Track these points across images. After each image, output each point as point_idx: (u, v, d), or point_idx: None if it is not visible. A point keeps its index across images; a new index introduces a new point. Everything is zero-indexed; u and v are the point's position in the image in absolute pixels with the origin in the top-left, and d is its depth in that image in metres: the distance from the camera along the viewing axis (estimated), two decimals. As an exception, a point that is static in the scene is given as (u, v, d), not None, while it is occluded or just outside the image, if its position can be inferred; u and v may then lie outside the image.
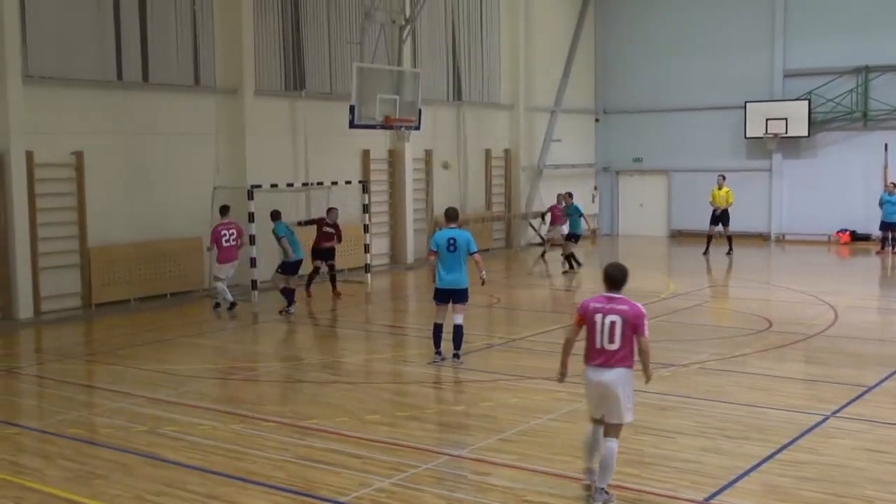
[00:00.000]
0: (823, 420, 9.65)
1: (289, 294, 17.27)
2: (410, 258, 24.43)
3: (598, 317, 7.42)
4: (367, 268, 21.22)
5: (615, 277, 7.50)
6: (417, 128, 22.62)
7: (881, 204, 25.90)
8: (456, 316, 12.58)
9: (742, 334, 14.71)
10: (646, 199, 32.38)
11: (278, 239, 17.38)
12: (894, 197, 25.74)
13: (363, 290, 20.13)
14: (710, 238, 26.23)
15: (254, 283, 19.03)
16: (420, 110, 22.38)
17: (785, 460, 8.48)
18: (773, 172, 29.96)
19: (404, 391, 11.65)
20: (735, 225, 27.00)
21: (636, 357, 7.45)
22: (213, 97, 20.08)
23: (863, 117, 28.60)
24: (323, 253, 19.05)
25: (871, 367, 12.30)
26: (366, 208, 21.50)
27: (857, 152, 28.63)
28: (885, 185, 26.59)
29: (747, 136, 29.86)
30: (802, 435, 9.20)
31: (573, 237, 23.39)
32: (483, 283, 12.81)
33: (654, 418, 9.84)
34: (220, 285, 17.40)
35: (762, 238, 30.10)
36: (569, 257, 22.91)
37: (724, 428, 9.46)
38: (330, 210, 19.26)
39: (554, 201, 25.74)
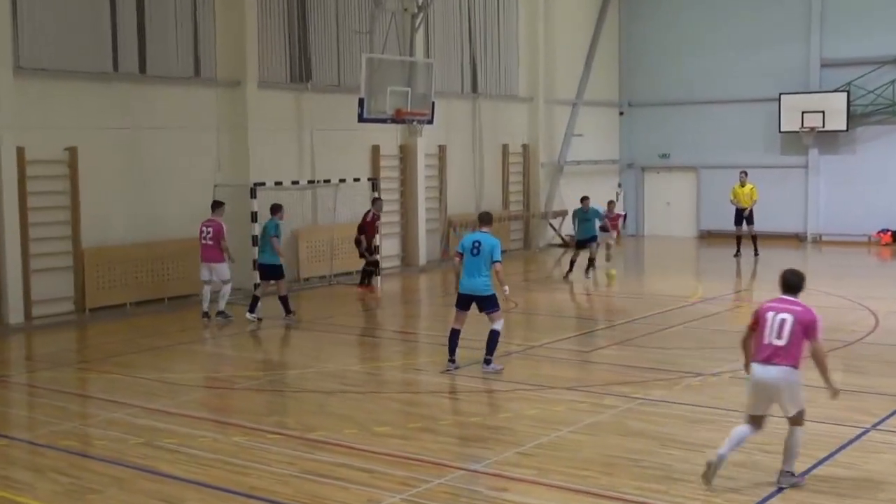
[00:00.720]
0: (864, 433, 9.58)
1: (255, 302, 17.10)
2: (423, 260, 24.43)
3: (770, 314, 8.18)
4: (377, 270, 21.22)
5: (791, 282, 8.35)
6: (430, 121, 22.61)
7: None
8: (492, 323, 12.63)
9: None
10: (673, 197, 32.28)
11: (268, 237, 17.03)
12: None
13: (373, 294, 20.13)
14: (739, 239, 26.10)
15: (255, 286, 19.04)
16: (433, 103, 22.36)
17: (822, 476, 8.42)
18: (810, 169, 29.82)
19: (416, 401, 11.63)
20: (769, 224, 26.91)
21: (803, 360, 8.10)
22: (215, 90, 20.12)
23: (905, 111, 28.47)
24: (374, 250, 20.16)
25: (915, 377, 12.21)
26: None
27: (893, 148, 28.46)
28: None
29: (782, 130, 29.73)
30: (841, 448, 9.15)
31: (584, 242, 22.50)
32: (505, 298, 12.73)
33: (683, 431, 9.80)
34: (204, 289, 17.27)
35: (798, 239, 29.96)
36: (591, 261, 22.67)
37: (759, 441, 9.37)
38: (376, 201, 20.33)
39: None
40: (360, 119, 20.48)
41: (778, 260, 25.35)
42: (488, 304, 12.55)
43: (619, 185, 32.78)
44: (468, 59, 26.65)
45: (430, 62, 22.96)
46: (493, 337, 12.60)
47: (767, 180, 27.80)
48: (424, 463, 8.88)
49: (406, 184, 24.50)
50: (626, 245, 30.32)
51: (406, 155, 24.52)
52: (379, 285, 20.45)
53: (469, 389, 11.94)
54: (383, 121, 21.23)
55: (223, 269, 17.16)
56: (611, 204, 24.39)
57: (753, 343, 8.22)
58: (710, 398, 11.12)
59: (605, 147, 32.39)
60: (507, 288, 12.55)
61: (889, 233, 28.49)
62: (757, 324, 8.22)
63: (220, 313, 17.05)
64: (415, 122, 22.48)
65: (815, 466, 8.62)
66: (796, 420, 8.16)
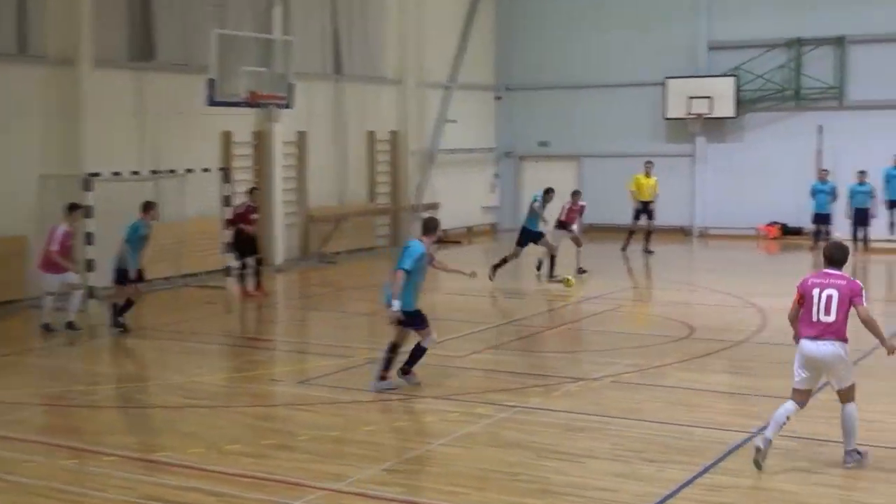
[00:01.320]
0: (750, 438, 9.90)
1: (127, 306, 16.67)
2: (279, 258, 24.22)
3: (816, 291, 9.02)
4: (227, 271, 20.94)
5: (835, 257, 9.20)
6: (289, 106, 22.43)
7: (813, 194, 26.76)
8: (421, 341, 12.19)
9: (661, 342, 15.02)
10: (553, 187, 32.65)
11: (136, 238, 16.57)
12: (827, 185, 26.64)
13: (223, 297, 19.85)
14: (631, 233, 26.65)
15: (91, 290, 18.57)
16: (292, 85, 22.18)
17: (707, 484, 8.69)
18: (696, 158, 30.69)
19: (271, 415, 11.55)
20: (660, 216, 27.59)
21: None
22: (43, 68, 19.55)
23: (795, 96, 29.52)
24: (250, 244, 19.90)
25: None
26: (227, 200, 21.22)
27: (788, 135, 29.52)
28: (818, 173, 27.49)
29: (667, 116, 30.53)
30: (726, 455, 9.44)
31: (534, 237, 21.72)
32: (394, 317, 11.86)
33: (561, 441, 9.98)
34: (46, 299, 16.63)
35: (683, 232, 30.81)
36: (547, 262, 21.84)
37: (641, 450, 9.64)
38: (253, 190, 20.45)
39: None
40: (210, 102, 20.18)
41: (664, 256, 26.04)
42: (408, 321, 11.97)
43: (496, 176, 33.15)
44: (331, 36, 26.53)
45: (288, 40, 22.76)
46: (416, 350, 12.17)
47: (655, 170, 28.44)
48: (280, 483, 8.82)
49: (261, 174, 24.24)
50: (502, 240, 30.65)
51: (261, 142, 24.25)
52: (245, 286, 20.03)
53: (329, 401, 11.90)
54: (236, 104, 20.97)
55: (72, 276, 16.62)
56: (575, 195, 23.38)
57: (802, 319, 9.09)
58: (590, 405, 11.35)
59: (480, 134, 32.69)
60: (396, 303, 11.64)
61: (777, 226, 29.53)
62: (803, 299, 9.08)
63: (69, 324, 16.40)
64: (271, 106, 22.24)
65: (699, 475, 8.89)
66: (847, 395, 9.05)
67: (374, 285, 21.91)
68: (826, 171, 27.15)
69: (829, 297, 8.95)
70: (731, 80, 29.59)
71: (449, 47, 30.71)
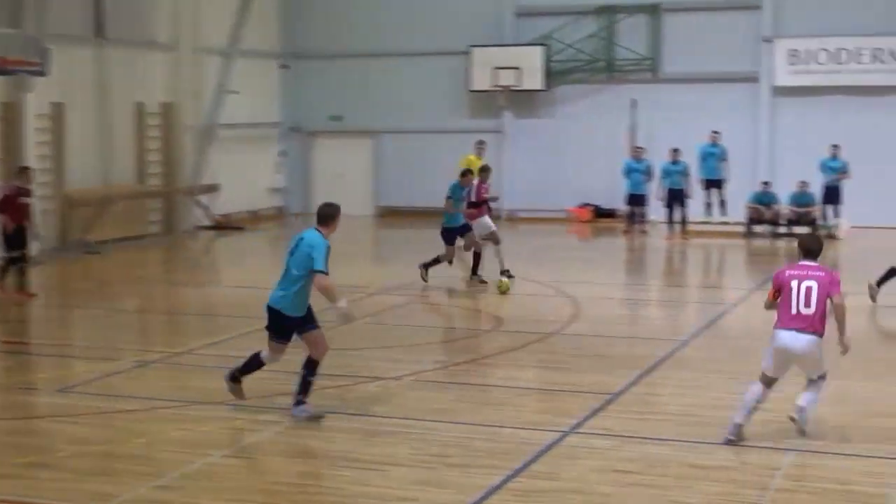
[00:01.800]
0: (562, 437, 10.18)
1: None
2: (34, 249, 23.36)
3: (795, 283, 9.81)
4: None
5: (812, 248, 10.08)
6: (43, 73, 21.77)
7: (627, 173, 27.65)
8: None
9: (467, 336, 15.26)
10: (347, 167, 32.80)
11: None
12: (642, 164, 27.59)
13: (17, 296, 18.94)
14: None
15: None
16: (46, 49, 21.53)
17: (517, 489, 8.88)
18: (504, 134, 31.23)
19: (27, 429, 11.19)
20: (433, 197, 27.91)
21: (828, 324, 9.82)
22: None
23: (607, 68, 30.44)
24: (20, 237, 18.56)
25: (617, 371, 13.09)
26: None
27: (600, 110, 30.40)
28: (631, 150, 28.43)
29: (472, 88, 30.95)
30: (538, 457, 9.67)
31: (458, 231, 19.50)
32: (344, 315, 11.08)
33: (358, 447, 10.01)
34: None
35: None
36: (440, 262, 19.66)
37: (446, 454, 9.77)
38: (23, 171, 19.26)
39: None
40: (-53, 68, 19.39)
41: (426, 237, 26.36)
42: (275, 325, 10.94)
43: (283, 153, 32.90)
44: (91, -6, 25.79)
45: (40, -3, 22.07)
46: (308, 369, 10.91)
47: (456, 147, 28.83)
48: (37, 506, 8.57)
49: (9, 151, 23.35)
50: (290, 227, 30.46)
51: (10, 115, 23.36)
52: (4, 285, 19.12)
53: (94, 410, 11.58)
54: (-22, 71, 20.23)
55: None
56: (484, 171, 20.66)
57: (780, 310, 9.87)
58: (391, 406, 11.42)
59: (265, 107, 32.36)
60: (343, 303, 10.80)
61: (589, 208, 30.37)
62: (779, 292, 9.89)
63: None
64: (22, 74, 21.61)
65: (509, 479, 9.07)
66: (820, 382, 10.07)
67: (145, 279, 21.51)
68: (641, 148, 28.09)
69: (809, 289, 9.78)
70: (539, 50, 30.23)
71: (229, 9, 30.22)
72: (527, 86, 30.40)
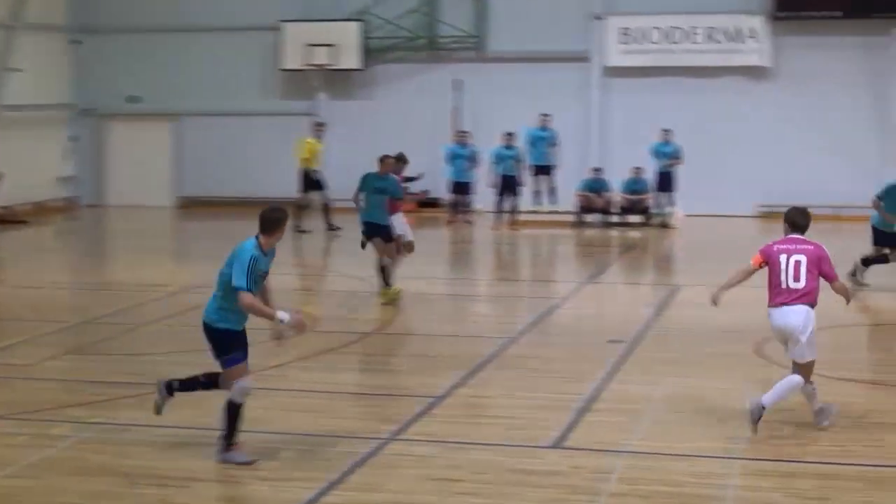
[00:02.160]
0: (383, 445, 10.22)
1: None
2: None
3: (783, 257, 10.39)
4: None
5: (798, 222, 10.65)
6: None
7: (450, 159, 27.86)
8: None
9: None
10: (145, 154, 32.21)
11: None
12: (466, 150, 27.85)
13: None
14: (302, 209, 26.44)
15: None
16: None
17: (336, 503, 8.87)
18: (318, 117, 31.10)
19: None
20: (264, 187, 27.75)
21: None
22: None
23: (429, 45, 30.61)
24: None
25: (441, 372, 13.19)
26: None
27: (422, 91, 30.56)
28: (455, 135, 28.66)
29: (283, 67, 30.77)
30: (356, 467, 9.69)
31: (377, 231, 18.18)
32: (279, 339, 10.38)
33: (160, 462, 9.85)
34: None
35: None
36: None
37: (255, 467, 9.70)
38: None
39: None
40: None
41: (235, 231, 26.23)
42: (215, 346, 10.09)
43: (73, 139, 32.15)
44: None
45: None
46: (230, 410, 9.90)
47: (268, 132, 28.69)
48: None
49: None
50: (84, 219, 29.82)
51: None
52: None
53: None
54: None
55: None
56: (399, 161, 19.90)
57: (770, 287, 10.43)
58: (194, 416, 11.25)
59: (52, 87, 31.58)
60: (282, 317, 9.76)
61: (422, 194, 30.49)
62: (765, 264, 10.46)
63: None
64: None
65: (324, 492, 9.06)
66: (804, 371, 10.40)
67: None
68: (465, 132, 28.35)
69: (798, 263, 10.34)
70: (356, 26, 30.24)
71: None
72: (343, 65, 30.37)
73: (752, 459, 9.98)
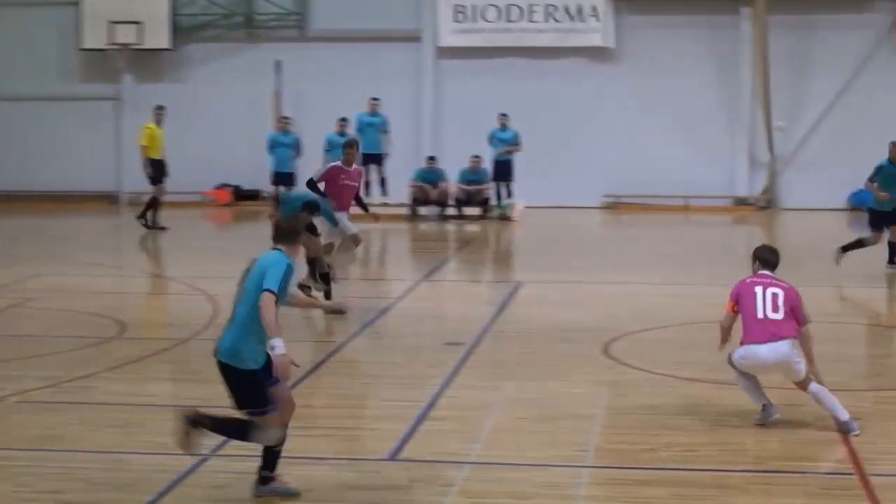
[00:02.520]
0: (201, 462, 10.08)
1: None
2: None
3: (759, 289, 10.73)
4: None
5: (770, 260, 11.05)
6: None
7: (271, 148, 27.51)
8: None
9: (84, 346, 14.88)
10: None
11: None
12: (289, 137, 27.65)
13: None
14: (155, 203, 26.12)
15: None
16: None
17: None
18: (124, 102, 30.67)
19: None
20: (68, 180, 27.24)
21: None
22: None
23: (246, 24, 30.40)
24: None
25: (265, 380, 13.14)
26: None
27: (239, 74, 30.38)
28: (277, 122, 28.48)
29: (84, 47, 30.24)
30: (172, 487, 9.55)
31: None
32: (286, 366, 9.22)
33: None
34: None
35: (109, 199, 30.70)
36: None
37: (60, 490, 9.50)
38: None
39: None
40: None
41: (86, 230, 25.79)
42: (237, 390, 9.33)
43: None
44: None
45: None
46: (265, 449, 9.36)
47: (69, 118, 28.14)
48: None
49: None
50: None
51: None
52: None
53: None
54: None
55: None
56: (350, 149, 18.80)
57: (745, 322, 10.71)
58: None
59: None
60: (276, 343, 8.89)
61: (229, 189, 30.27)
62: (738, 304, 10.78)
63: None
64: None
65: (137, 515, 8.93)
66: (806, 381, 10.75)
67: None
68: (287, 118, 28.16)
69: (775, 295, 10.69)
70: (164, 1, 29.87)
71: None
72: (150, 44, 30.04)
73: (602, 468, 10.13)
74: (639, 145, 29.31)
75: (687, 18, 29.54)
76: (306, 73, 29.77)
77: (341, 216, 17.93)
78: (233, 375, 9.19)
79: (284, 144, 27.45)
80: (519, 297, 18.41)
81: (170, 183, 29.97)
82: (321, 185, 17.66)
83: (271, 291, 8.95)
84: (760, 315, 10.66)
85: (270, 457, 9.33)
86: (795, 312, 10.74)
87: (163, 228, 25.75)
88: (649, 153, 29.13)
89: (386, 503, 9.23)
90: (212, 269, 20.69)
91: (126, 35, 29.87)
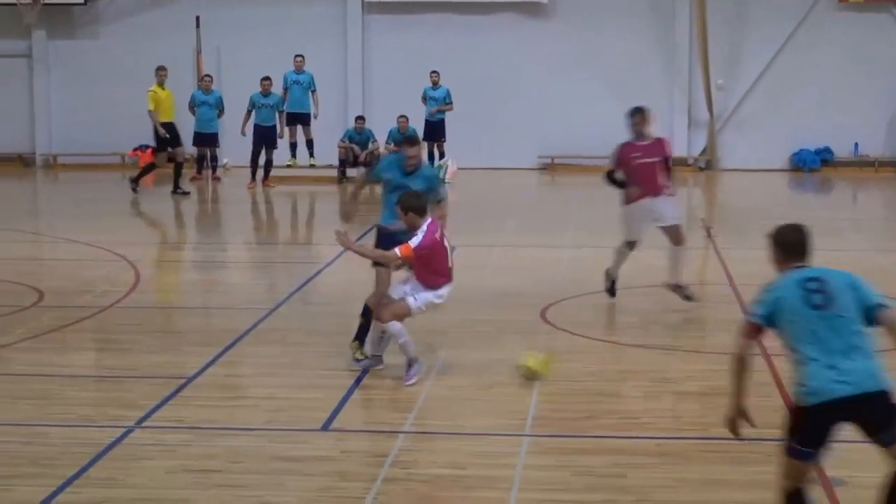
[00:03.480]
0: (125, 434, 10.08)
1: None
2: None
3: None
4: None
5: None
6: None
7: (193, 107, 27.28)
8: None
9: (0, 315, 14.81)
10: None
11: None
12: (212, 96, 27.36)
13: None
14: (151, 168, 26.17)
15: None
16: None
17: (72, 501, 8.73)
18: (36, 60, 30.38)
19: None
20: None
21: None
22: None
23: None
24: None
25: (190, 349, 13.15)
26: None
27: (157, 29, 30.14)
28: (198, 81, 28.26)
29: (-7, 1, 29.91)
30: (95, 460, 9.54)
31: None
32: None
33: None
34: None
35: (23, 162, 30.42)
36: None
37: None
38: None
39: None
40: None
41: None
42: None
43: None
44: None
45: None
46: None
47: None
48: None
49: None
50: None
51: None
52: None
53: None
54: None
55: None
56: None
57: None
58: None
59: None
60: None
61: (151, 150, 30.06)
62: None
63: None
64: None
65: (60, 489, 8.89)
66: None
67: None
68: (209, 77, 27.95)
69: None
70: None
71: None
72: (59, -2, 29.68)
73: (540, 436, 10.23)
74: (574, 104, 29.38)
75: (624, -28, 29.71)
76: (228, 29, 29.54)
77: None
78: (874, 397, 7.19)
79: (207, 104, 27.15)
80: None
81: (87, 144, 29.84)
82: None
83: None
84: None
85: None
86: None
87: (186, 193, 25.68)
88: (585, 112, 29.18)
89: (318, 475, 9.27)
90: (132, 234, 20.65)
91: (38, -10, 29.61)
